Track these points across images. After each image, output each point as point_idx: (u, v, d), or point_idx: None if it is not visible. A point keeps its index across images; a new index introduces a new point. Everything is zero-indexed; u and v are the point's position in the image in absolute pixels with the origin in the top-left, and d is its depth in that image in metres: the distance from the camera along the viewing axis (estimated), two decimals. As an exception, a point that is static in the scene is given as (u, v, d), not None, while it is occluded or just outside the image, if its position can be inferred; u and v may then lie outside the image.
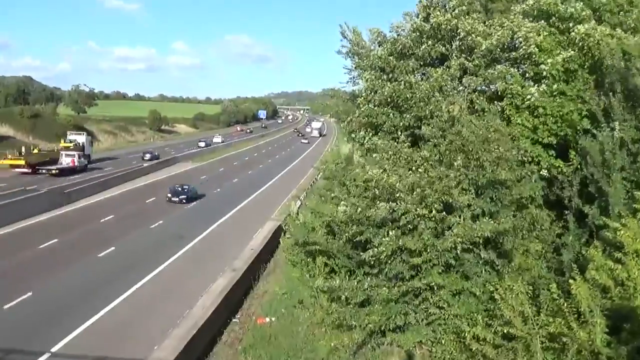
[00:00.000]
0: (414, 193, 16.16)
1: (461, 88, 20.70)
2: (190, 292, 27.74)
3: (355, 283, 17.75)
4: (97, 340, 22.30)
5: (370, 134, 20.40)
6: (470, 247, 16.20)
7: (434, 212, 16.10)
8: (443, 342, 16.96)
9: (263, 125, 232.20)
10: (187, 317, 24.51)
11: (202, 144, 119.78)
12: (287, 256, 25.46)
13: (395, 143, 19.25)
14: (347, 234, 18.31)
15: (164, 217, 46.80)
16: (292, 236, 23.21)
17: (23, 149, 73.16)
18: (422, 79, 21.61)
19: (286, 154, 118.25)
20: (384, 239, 16.47)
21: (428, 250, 16.04)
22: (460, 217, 16.16)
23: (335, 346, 19.28)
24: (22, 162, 69.40)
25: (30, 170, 68.57)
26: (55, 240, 37.17)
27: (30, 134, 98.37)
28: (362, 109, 21.32)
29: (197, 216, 48.61)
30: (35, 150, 75.75)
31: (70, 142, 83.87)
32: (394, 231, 16.71)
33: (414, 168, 17.60)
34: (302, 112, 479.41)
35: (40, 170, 68.95)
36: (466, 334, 15.47)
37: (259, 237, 39.10)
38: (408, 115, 20.10)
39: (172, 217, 47.16)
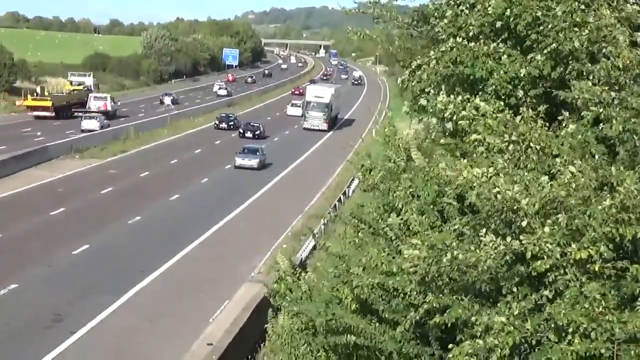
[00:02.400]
0: (553, 221, 16.07)
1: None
2: None
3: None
4: None
5: (460, 97, 19.87)
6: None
7: (598, 262, 15.95)
8: None
9: (266, 72, 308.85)
10: None
11: (222, 92, 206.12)
12: (282, 358, 25.73)
13: (515, 116, 18.80)
14: (412, 315, 18.13)
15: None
16: (294, 317, 23.46)
17: (38, 89, 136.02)
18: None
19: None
20: (497, 318, 16.22)
21: (592, 337, 15.82)
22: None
23: None
24: (49, 104, 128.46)
25: (52, 114, 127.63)
26: None
27: None
28: (444, 47, 21.24)
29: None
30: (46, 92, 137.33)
31: (79, 84, 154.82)
32: (516, 303, 16.51)
33: (553, 170, 17.46)
34: (315, 54, 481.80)
35: (75, 113, 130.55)
36: None
37: (225, 319, 39.57)
38: (538, 56, 19.97)
39: None
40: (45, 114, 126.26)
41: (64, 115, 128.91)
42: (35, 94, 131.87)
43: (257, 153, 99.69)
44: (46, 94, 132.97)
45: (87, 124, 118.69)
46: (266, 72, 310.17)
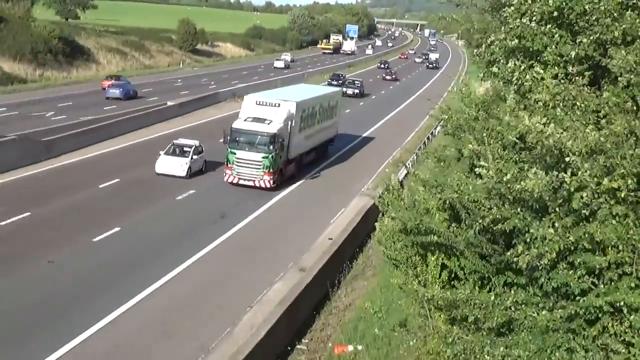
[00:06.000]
0: (594, 160, 15.96)
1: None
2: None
3: (492, 297, 17.83)
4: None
5: (523, 66, 20.24)
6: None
7: (624, 191, 15.85)
8: (630, 399, 16.71)
9: (393, 37, 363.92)
10: (227, 340, 25.31)
11: (390, 43, 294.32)
12: (384, 252, 25.79)
13: (565, 81, 19.04)
14: (480, 221, 18.20)
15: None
16: (395, 221, 23.50)
17: (322, 42, 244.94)
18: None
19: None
20: (548, 230, 16.26)
21: (619, 248, 15.90)
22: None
23: (456, 395, 19.43)
24: (331, 47, 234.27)
25: (332, 52, 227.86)
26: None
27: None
28: (512, 27, 21.14)
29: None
30: (330, 41, 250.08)
31: (336, 39, 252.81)
32: (561, 221, 16.53)
33: (594, 122, 17.37)
34: (414, 30, 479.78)
35: (342, 51, 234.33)
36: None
37: (342, 221, 39.81)
38: (585, 39, 19.78)
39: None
40: (329, 52, 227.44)
41: (335, 52, 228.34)
42: (323, 42, 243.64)
43: None
44: (324, 43, 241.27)
45: (367, 50, 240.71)
46: (393, 37, 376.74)
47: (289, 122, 51.78)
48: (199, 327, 27.74)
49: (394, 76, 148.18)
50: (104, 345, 26.03)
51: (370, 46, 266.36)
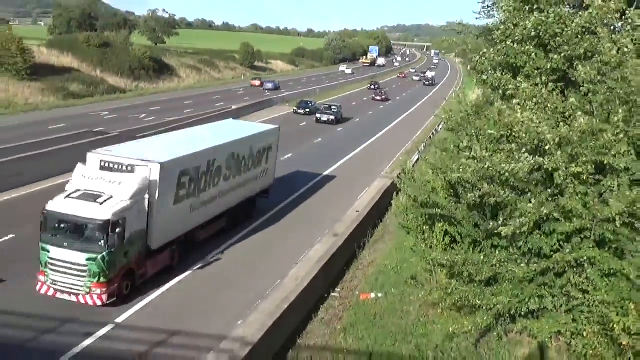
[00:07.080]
0: (563, 149, 16.21)
1: (620, 24, 20.23)
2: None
3: (482, 257, 18.04)
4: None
5: (508, 76, 20.45)
6: (630, 220, 16.04)
7: (586, 174, 16.12)
8: (585, 334, 16.97)
9: (406, 59, 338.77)
10: (278, 289, 25.61)
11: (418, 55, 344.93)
12: (399, 221, 25.97)
13: (540, 87, 19.29)
14: (472, 197, 18.49)
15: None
16: (408, 196, 23.70)
17: (363, 58, 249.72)
18: (574, 11, 21.42)
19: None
20: (527, 205, 16.61)
21: (584, 217, 16.16)
22: (615, 183, 16.09)
23: (453, 332, 19.64)
24: (369, 61, 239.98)
25: (369, 65, 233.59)
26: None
27: (98, 67, 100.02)
28: (500, 47, 21.35)
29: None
30: (368, 57, 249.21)
31: (369, 57, 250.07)
32: (538, 197, 16.79)
33: (562, 120, 17.56)
34: (424, 50, 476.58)
35: (376, 64, 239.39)
36: (614, 326, 15.47)
37: (366, 198, 39.83)
38: (556, 56, 19.96)
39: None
40: (367, 64, 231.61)
41: (372, 65, 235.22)
42: (363, 58, 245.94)
43: None
44: (364, 59, 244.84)
45: (395, 63, 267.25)
46: (406, 55, 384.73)
47: (146, 196, 24.37)
48: None
49: (384, 97, 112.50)
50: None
51: (394, 60, 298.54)
